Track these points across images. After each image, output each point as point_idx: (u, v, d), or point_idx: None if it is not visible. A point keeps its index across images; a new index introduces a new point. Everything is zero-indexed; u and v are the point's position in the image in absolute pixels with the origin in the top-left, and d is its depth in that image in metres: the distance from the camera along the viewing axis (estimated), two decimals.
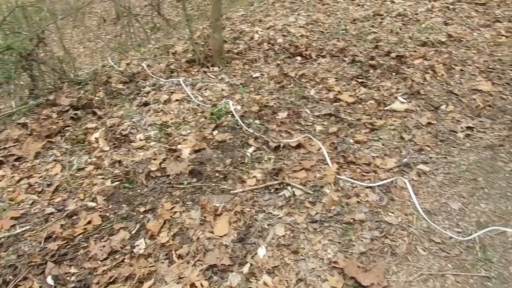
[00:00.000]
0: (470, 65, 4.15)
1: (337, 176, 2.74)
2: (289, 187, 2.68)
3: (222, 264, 2.18)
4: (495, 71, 4.00)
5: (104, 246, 2.32)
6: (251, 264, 2.18)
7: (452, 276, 2.06)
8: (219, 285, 2.09)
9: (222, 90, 3.99)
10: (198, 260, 2.22)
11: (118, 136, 3.32)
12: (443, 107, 3.50)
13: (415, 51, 4.52)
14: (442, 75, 3.98)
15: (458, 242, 2.24)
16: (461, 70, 4.06)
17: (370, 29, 5.28)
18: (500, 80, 3.83)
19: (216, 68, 4.43)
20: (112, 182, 2.81)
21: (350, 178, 2.74)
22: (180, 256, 2.26)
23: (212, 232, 2.39)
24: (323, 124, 3.37)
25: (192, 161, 2.97)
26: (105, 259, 2.25)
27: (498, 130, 3.15)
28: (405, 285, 2.05)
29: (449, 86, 3.81)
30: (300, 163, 2.90)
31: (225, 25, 6.08)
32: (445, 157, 2.92)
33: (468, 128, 3.21)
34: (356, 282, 2.06)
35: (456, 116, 3.37)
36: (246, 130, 3.30)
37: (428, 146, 3.04)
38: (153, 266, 2.19)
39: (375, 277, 2.07)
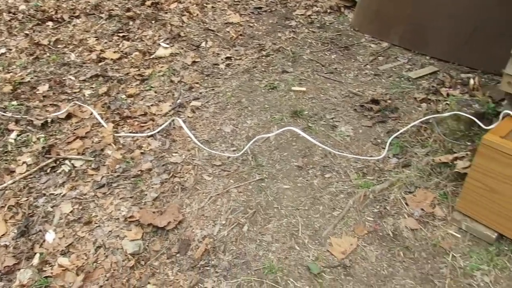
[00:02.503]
0: (219, 1, 4.46)
1: (116, 134, 2.67)
2: (67, 161, 2.49)
3: (6, 267, 1.94)
4: (241, 3, 4.41)
5: None
6: (41, 253, 2.00)
7: (235, 189, 2.32)
8: None
9: None
10: None
11: None
12: (203, 44, 3.71)
13: None
14: (197, 14, 4.17)
15: (235, 159, 2.50)
16: (213, 7, 4.33)
17: None
18: (245, 11, 4.26)
19: None
20: None
21: (129, 132, 2.71)
22: None
23: None
24: (92, 87, 3.18)
25: None
26: None
27: (250, 55, 3.55)
28: (199, 211, 2.21)
29: (205, 24, 4.04)
30: (74, 133, 2.71)
31: None
32: (213, 89, 3.14)
33: (227, 58, 3.51)
34: (154, 227, 2.11)
35: (215, 50, 3.62)
36: (3, 115, 2.86)
37: (197, 83, 3.22)
38: None
39: (171, 216, 2.17)
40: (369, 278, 1.84)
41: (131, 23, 4.07)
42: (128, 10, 4.27)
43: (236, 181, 2.37)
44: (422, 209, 2.10)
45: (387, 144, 2.47)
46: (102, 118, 2.80)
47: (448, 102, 2.60)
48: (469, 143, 2.30)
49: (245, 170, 2.43)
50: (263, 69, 3.33)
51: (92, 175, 2.42)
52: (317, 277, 1.85)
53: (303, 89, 3.05)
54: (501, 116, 1.94)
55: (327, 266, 1.89)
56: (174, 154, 2.57)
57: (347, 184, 2.30)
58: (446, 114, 2.30)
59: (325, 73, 3.24)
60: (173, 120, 2.79)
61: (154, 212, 2.19)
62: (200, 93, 3.11)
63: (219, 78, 3.27)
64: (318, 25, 3.90)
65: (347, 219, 2.11)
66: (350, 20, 4.02)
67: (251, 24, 4.01)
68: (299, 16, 4.09)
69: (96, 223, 2.16)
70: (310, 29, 3.86)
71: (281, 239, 2.04)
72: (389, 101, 2.84)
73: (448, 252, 1.91)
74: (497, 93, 2.56)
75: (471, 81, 2.74)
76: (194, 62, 3.46)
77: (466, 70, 3.14)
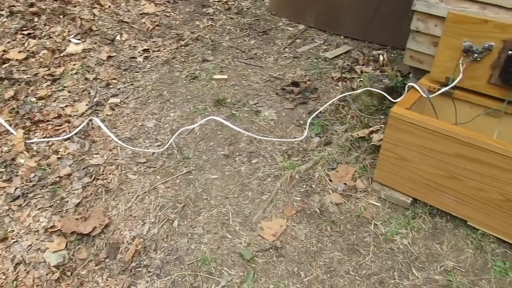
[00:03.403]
0: None
1: (27, 141, 2.48)
2: None
3: None
4: None
5: None
6: None
7: (162, 185, 2.26)
8: None
9: None
10: None
11: None
12: (118, 37, 3.54)
13: None
14: (109, 6, 3.96)
15: (160, 154, 2.44)
16: None
17: None
18: (161, 0, 4.12)
19: None
20: None
21: (43, 137, 2.53)
22: None
23: None
24: None
25: None
26: None
27: (169, 45, 3.45)
28: (126, 212, 2.13)
29: (118, 16, 3.85)
30: None
31: None
32: (132, 84, 3.03)
33: (145, 50, 3.39)
34: (78, 234, 2.01)
35: (132, 43, 3.48)
36: None
37: (114, 78, 3.07)
38: None
39: (96, 220, 2.07)
40: (300, 256, 1.90)
41: (36, 19, 3.76)
42: (32, 5, 3.94)
43: (163, 176, 2.32)
44: (345, 184, 2.20)
45: (307, 124, 2.53)
46: (10, 125, 2.58)
47: (361, 79, 2.73)
48: (382, 117, 2.44)
49: (171, 164, 2.38)
50: (183, 60, 3.26)
51: (4, 187, 2.23)
52: (250, 262, 1.87)
53: (225, 77, 3.03)
54: (406, 88, 2.07)
55: (259, 250, 1.92)
56: (95, 156, 2.44)
57: (273, 168, 2.34)
58: (359, 91, 2.41)
59: (246, 59, 3.25)
60: (90, 120, 2.65)
61: (77, 219, 2.08)
62: (119, 89, 2.98)
63: (137, 72, 3.15)
64: (235, 11, 3.88)
65: (276, 201, 2.15)
66: (266, 4, 4.05)
67: (168, 14, 3.90)
68: (216, 2, 4.04)
69: (13, 239, 2.00)
70: (228, 15, 3.83)
71: (212, 229, 2.03)
72: (308, 82, 2.92)
73: (371, 221, 2.03)
74: (405, 67, 2.72)
75: (381, 58, 2.90)
76: (109, 57, 3.29)
77: (377, 47, 3.31)
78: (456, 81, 1.94)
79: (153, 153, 2.45)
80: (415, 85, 2.00)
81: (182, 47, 3.40)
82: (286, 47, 3.42)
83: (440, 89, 1.99)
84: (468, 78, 1.93)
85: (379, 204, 2.10)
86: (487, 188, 1.75)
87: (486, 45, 1.81)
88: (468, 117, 2.01)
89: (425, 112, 2.08)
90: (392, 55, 3.15)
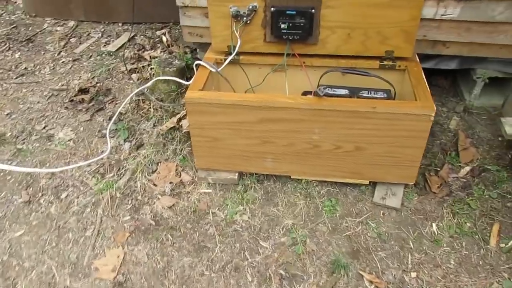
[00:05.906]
0: None
1: None
2: None
3: None
4: None
5: None
6: None
7: None
8: None
9: None
10: None
11: None
12: None
13: None
14: None
15: None
16: None
17: None
18: None
19: None
20: None
21: None
22: None
23: None
24: None
25: None
26: None
27: None
28: None
29: None
30: None
31: None
32: None
33: None
34: None
35: None
36: None
37: None
38: None
39: None
40: (149, 280, 1.72)
41: None
42: None
43: None
44: (170, 182, 2.06)
45: (108, 132, 2.23)
46: None
47: (152, 67, 2.55)
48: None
49: None
50: None
51: None
52: None
53: None
54: (195, 68, 1.98)
55: None
56: None
57: (88, 194, 2.04)
58: (149, 83, 2.19)
59: (15, 78, 2.71)
60: None
61: None
62: None
63: None
64: None
65: (103, 232, 1.89)
66: (21, 6, 3.43)
67: None
68: None
69: None
70: None
71: None
72: (98, 85, 2.61)
73: (208, 211, 1.95)
74: (191, 42, 2.64)
75: (164, 38, 2.74)
76: None
77: (160, 26, 3.14)
78: (237, 48, 1.92)
79: None
80: (201, 62, 1.93)
81: None
82: (61, 51, 2.97)
83: (226, 59, 1.96)
84: (246, 41, 1.93)
85: (210, 190, 2.04)
86: (295, 142, 1.82)
87: (251, 7, 1.82)
88: (260, 79, 2.05)
89: (221, 85, 2.05)
90: (177, 31, 3.03)
